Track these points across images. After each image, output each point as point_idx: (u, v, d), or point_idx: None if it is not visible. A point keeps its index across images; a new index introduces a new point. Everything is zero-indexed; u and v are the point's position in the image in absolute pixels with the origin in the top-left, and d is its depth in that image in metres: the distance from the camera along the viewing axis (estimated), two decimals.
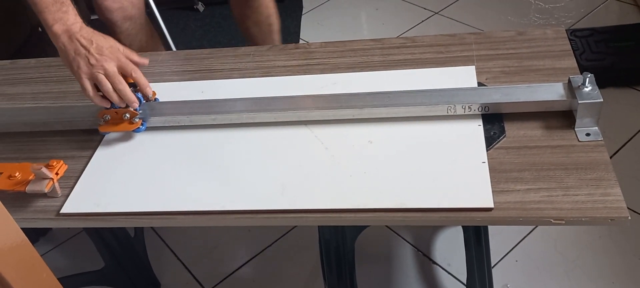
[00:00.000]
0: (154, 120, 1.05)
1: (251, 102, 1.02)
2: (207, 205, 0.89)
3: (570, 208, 0.78)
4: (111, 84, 0.96)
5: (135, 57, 1.01)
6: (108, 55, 0.96)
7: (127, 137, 1.05)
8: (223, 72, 1.17)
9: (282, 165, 0.93)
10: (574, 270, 1.39)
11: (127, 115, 1.01)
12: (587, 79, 0.89)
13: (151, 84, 1.15)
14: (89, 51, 0.95)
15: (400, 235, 1.55)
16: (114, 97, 0.98)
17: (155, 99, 1.07)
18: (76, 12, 0.99)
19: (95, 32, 0.99)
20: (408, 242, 1.54)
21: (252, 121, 1.02)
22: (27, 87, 1.24)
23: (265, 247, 1.59)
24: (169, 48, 2.04)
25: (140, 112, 1.02)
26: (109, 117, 1.02)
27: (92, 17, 2.50)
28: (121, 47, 1.00)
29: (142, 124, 1.03)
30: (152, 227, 1.68)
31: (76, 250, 1.68)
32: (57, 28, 0.97)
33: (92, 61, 0.95)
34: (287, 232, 1.62)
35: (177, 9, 2.67)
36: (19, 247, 0.58)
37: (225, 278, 1.54)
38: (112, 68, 0.96)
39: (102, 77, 0.96)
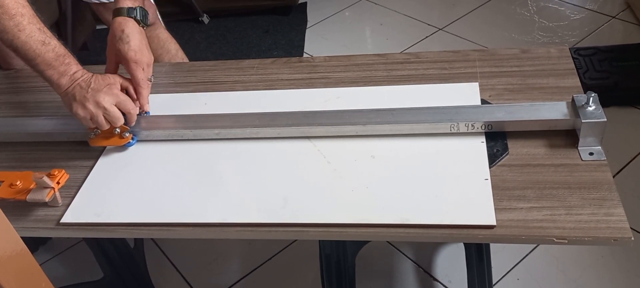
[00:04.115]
0: (156, 134, 1.05)
1: (255, 117, 1.02)
2: (207, 217, 0.88)
3: (573, 227, 0.78)
4: (109, 120, 1.00)
5: (131, 90, 1.04)
6: (104, 94, 0.99)
7: (129, 148, 1.04)
8: (227, 84, 1.18)
9: (284, 179, 0.93)
10: None
11: (118, 129, 1.02)
12: (591, 98, 0.89)
13: (156, 94, 1.16)
14: (86, 92, 0.98)
15: (401, 251, 1.55)
16: (106, 127, 1.01)
17: (146, 113, 1.08)
18: (76, 61, 1.02)
19: (96, 75, 1.01)
20: (409, 258, 1.53)
21: (255, 136, 1.01)
22: (31, 96, 1.24)
23: (265, 260, 1.59)
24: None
25: (130, 127, 1.03)
26: (99, 130, 1.03)
27: (98, 27, 2.52)
28: (119, 83, 1.02)
29: (132, 139, 1.04)
30: (152, 238, 1.67)
31: (75, 260, 1.67)
32: (63, 80, 1.00)
33: (89, 104, 0.98)
34: (288, 246, 1.61)
35: (182, 21, 2.69)
36: (19, 256, 0.58)
37: None
38: (108, 106, 0.99)
39: (95, 118, 0.99)
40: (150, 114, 1.09)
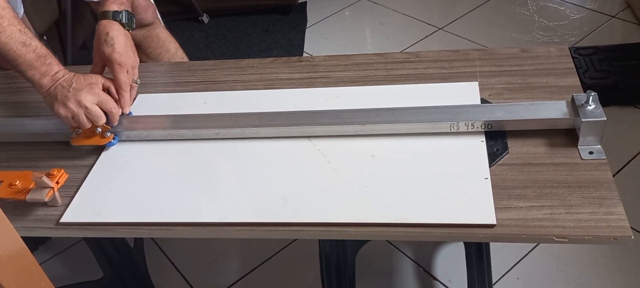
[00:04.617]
0: (157, 134, 1.05)
1: (254, 116, 1.02)
2: (207, 216, 0.88)
3: (573, 226, 0.78)
4: (90, 119, 1.00)
5: (113, 89, 1.04)
6: (85, 93, 0.99)
7: (129, 147, 1.04)
8: (226, 83, 1.17)
9: (284, 178, 0.93)
10: None
11: (99, 129, 1.02)
12: (591, 97, 0.89)
13: (155, 94, 1.16)
14: (68, 92, 0.99)
15: (401, 251, 1.55)
16: (87, 126, 1.02)
17: (129, 114, 1.08)
18: (58, 61, 1.02)
19: (78, 75, 1.01)
20: (409, 258, 1.53)
21: (255, 135, 1.01)
22: (30, 95, 1.24)
23: (265, 259, 1.59)
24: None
25: (111, 127, 1.04)
26: (80, 130, 1.03)
27: None
28: (101, 83, 1.03)
29: (114, 138, 1.04)
30: (151, 238, 1.67)
31: (75, 260, 1.67)
32: (44, 81, 1.00)
33: (70, 104, 0.98)
34: (288, 245, 1.61)
35: (182, 20, 2.69)
36: (18, 256, 0.58)
37: None
38: (90, 105, 0.99)
39: (77, 117, 0.99)
40: (133, 114, 1.10)
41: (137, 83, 1.09)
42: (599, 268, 1.41)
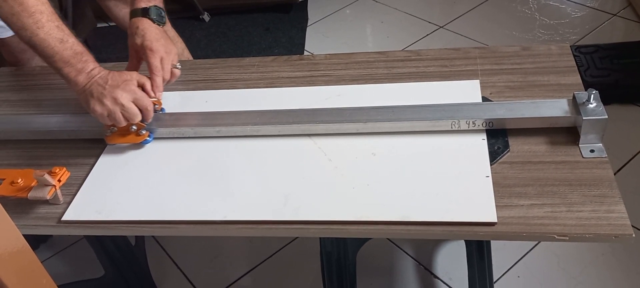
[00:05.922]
0: (160, 132, 1.05)
1: (256, 114, 1.02)
2: (209, 215, 0.89)
3: (573, 224, 0.78)
4: (126, 116, 0.99)
5: (147, 86, 1.04)
6: (121, 90, 0.99)
7: (130, 146, 1.04)
8: (227, 82, 1.18)
9: (285, 177, 0.93)
10: (577, 287, 1.38)
11: (134, 127, 1.02)
12: (592, 96, 0.89)
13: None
14: (103, 89, 0.98)
15: (402, 249, 1.55)
16: (123, 123, 1.01)
17: (162, 110, 1.08)
18: (93, 58, 1.03)
19: (113, 72, 1.02)
20: (410, 256, 1.53)
21: (256, 133, 1.01)
22: (32, 93, 1.24)
23: (266, 257, 1.59)
24: None
25: (146, 124, 1.03)
26: (115, 128, 1.03)
27: (99, 25, 2.52)
28: (136, 80, 1.02)
29: (149, 136, 1.03)
30: (153, 236, 1.67)
31: (77, 258, 1.67)
32: (80, 78, 1.00)
33: (106, 101, 0.98)
34: (289, 243, 1.61)
35: (183, 19, 2.69)
36: (20, 253, 0.58)
37: None
38: (126, 102, 0.99)
39: (113, 115, 0.99)
40: (165, 111, 1.09)
41: (178, 68, 1.11)
42: (600, 267, 1.41)
